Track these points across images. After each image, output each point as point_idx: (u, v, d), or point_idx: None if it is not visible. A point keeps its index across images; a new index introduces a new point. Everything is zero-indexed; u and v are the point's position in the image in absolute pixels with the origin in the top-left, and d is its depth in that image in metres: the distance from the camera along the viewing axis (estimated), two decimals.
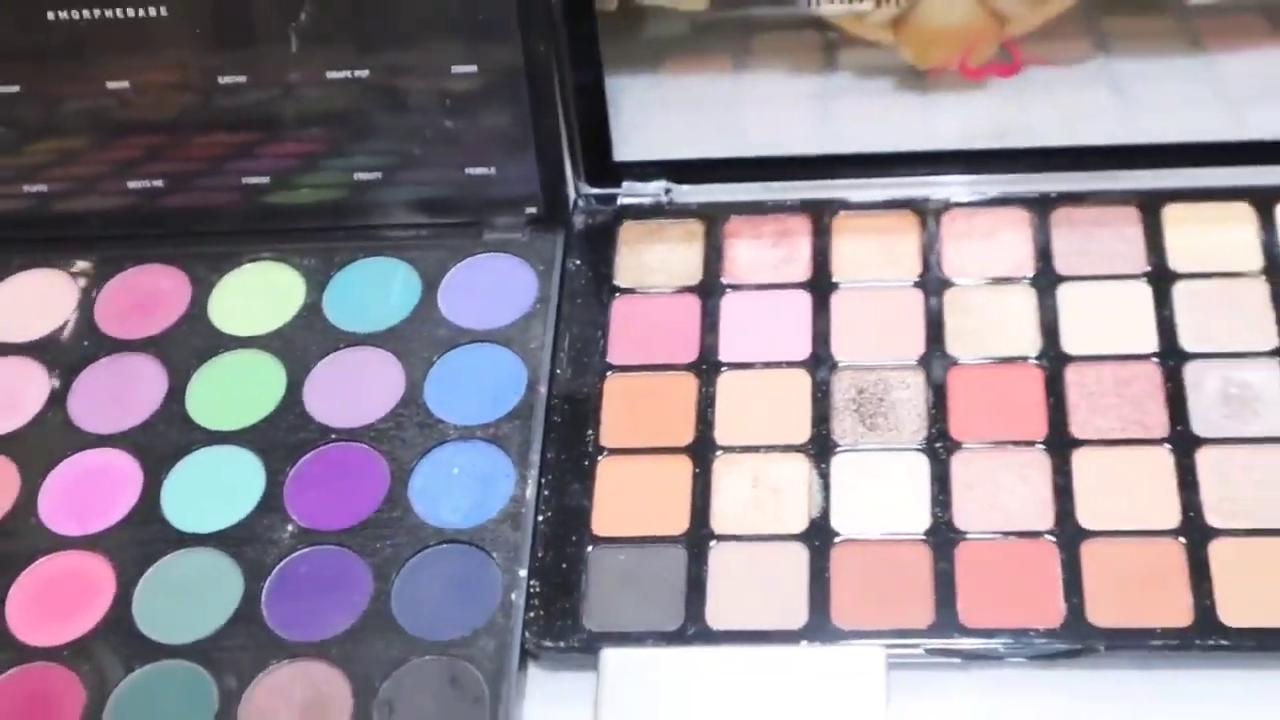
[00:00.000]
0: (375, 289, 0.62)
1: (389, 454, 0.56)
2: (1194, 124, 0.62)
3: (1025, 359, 0.57)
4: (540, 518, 0.54)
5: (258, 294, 0.62)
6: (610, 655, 0.50)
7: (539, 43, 0.58)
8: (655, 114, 0.65)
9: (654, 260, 0.62)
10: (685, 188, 0.64)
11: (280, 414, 0.58)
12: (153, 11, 0.58)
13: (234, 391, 0.59)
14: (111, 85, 0.60)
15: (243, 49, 0.60)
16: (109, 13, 0.58)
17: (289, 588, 0.53)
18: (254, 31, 0.59)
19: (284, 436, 0.57)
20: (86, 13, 0.59)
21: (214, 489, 0.56)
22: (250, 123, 0.62)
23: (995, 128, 0.63)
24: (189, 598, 0.53)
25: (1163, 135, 0.62)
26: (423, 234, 0.63)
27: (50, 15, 0.59)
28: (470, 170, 0.62)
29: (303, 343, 0.60)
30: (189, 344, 0.61)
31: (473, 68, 0.59)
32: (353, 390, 0.59)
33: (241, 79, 0.60)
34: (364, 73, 0.59)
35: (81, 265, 0.64)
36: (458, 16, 0.58)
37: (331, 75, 0.60)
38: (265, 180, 0.63)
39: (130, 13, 0.58)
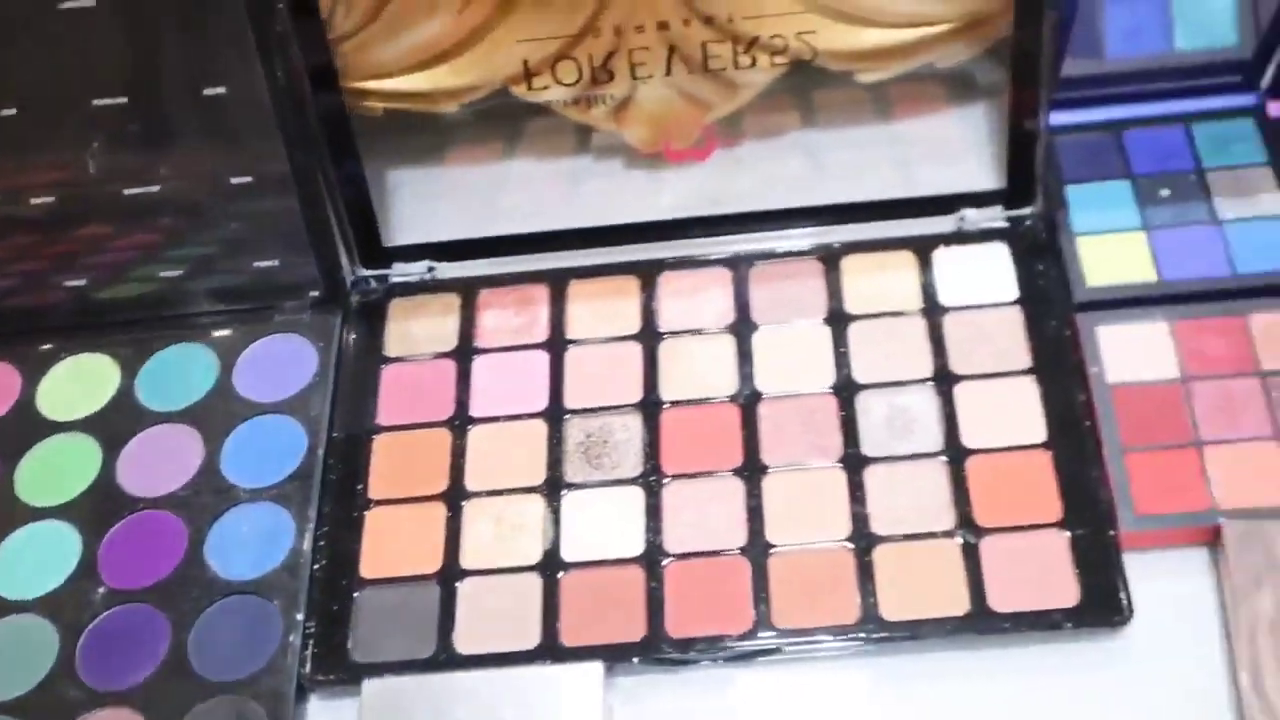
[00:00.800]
0: (180, 371, 0.64)
1: (188, 518, 0.58)
2: (871, 184, 0.65)
3: (725, 398, 0.60)
4: (316, 566, 0.57)
5: (80, 383, 0.64)
6: (369, 684, 0.52)
7: (301, 151, 0.60)
8: (423, 201, 0.68)
9: (418, 331, 0.64)
10: (448, 265, 0.66)
11: (95, 489, 0.60)
12: None
13: (56, 472, 0.61)
14: None
15: (48, 173, 0.61)
16: None
17: (99, 643, 0.55)
18: (56, 158, 0.60)
19: (98, 508, 0.59)
20: None
21: (37, 560, 0.58)
22: (64, 234, 0.63)
23: (710, 197, 0.66)
24: (12, 658, 0.55)
25: (845, 196, 0.65)
26: (220, 319, 0.65)
27: None
28: (258, 263, 0.64)
29: (116, 424, 0.62)
30: (18, 432, 0.62)
31: (248, 178, 0.61)
32: (159, 463, 0.61)
33: (50, 199, 0.61)
34: (155, 188, 0.61)
35: None
36: (228, 135, 0.60)
37: (128, 191, 0.61)
38: (84, 282, 0.64)
39: None
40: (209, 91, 0.58)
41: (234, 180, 0.61)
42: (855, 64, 0.62)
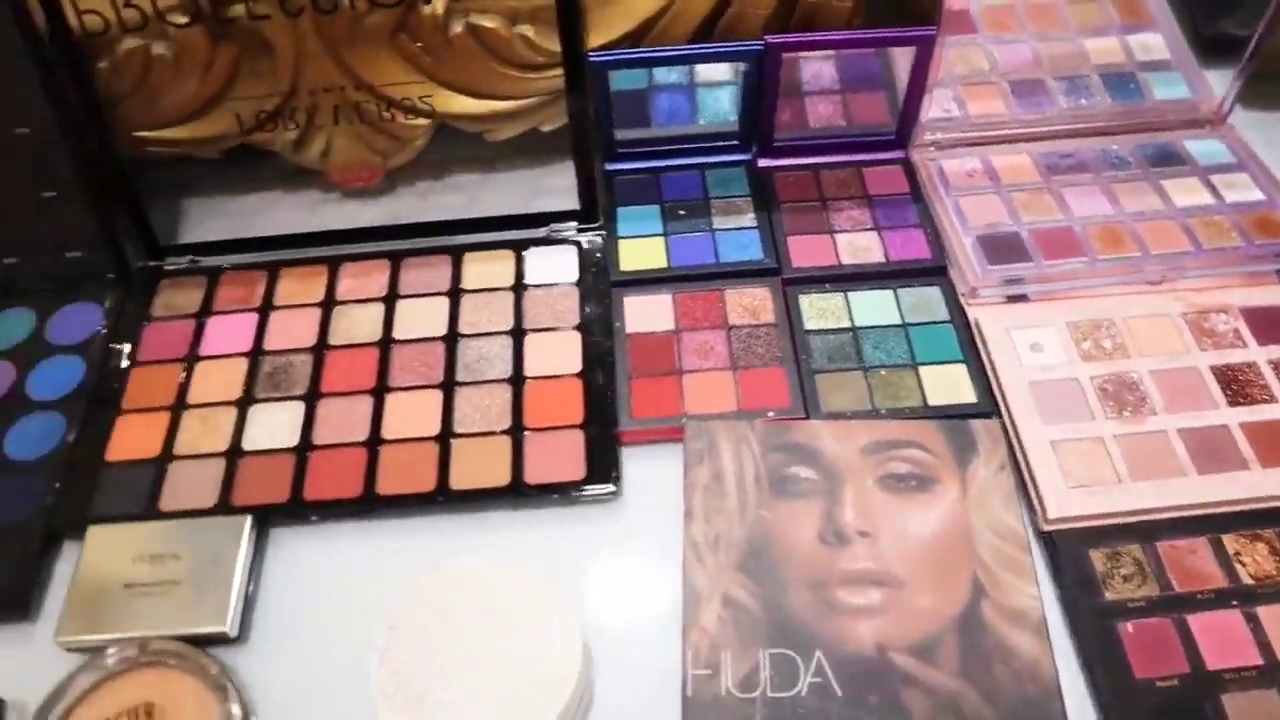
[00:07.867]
0: (8, 326, 0.90)
1: None
2: (486, 207, 0.96)
3: (372, 343, 0.88)
4: (77, 450, 0.80)
5: None
6: (92, 530, 0.75)
7: (91, 181, 0.86)
8: (192, 215, 0.97)
9: (176, 300, 0.91)
10: (209, 259, 0.94)
11: None
12: None
13: None
14: None
15: None
16: None
17: None
18: None
19: None
20: None
21: None
22: None
23: (390, 215, 0.96)
24: None
25: (467, 213, 0.96)
26: (44, 291, 0.91)
27: None
28: (70, 255, 0.90)
29: None
30: None
31: (54, 193, 0.85)
32: None
33: None
34: None
35: None
36: (35, 165, 0.82)
37: None
38: None
39: None
40: (19, 131, 0.80)
41: (44, 195, 0.84)
42: (482, 126, 0.92)
